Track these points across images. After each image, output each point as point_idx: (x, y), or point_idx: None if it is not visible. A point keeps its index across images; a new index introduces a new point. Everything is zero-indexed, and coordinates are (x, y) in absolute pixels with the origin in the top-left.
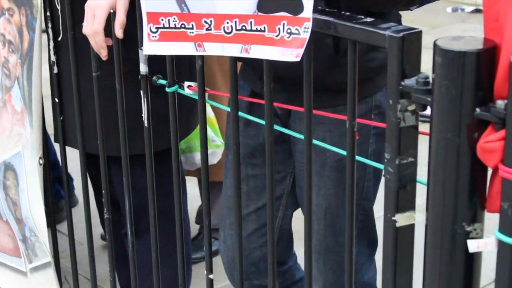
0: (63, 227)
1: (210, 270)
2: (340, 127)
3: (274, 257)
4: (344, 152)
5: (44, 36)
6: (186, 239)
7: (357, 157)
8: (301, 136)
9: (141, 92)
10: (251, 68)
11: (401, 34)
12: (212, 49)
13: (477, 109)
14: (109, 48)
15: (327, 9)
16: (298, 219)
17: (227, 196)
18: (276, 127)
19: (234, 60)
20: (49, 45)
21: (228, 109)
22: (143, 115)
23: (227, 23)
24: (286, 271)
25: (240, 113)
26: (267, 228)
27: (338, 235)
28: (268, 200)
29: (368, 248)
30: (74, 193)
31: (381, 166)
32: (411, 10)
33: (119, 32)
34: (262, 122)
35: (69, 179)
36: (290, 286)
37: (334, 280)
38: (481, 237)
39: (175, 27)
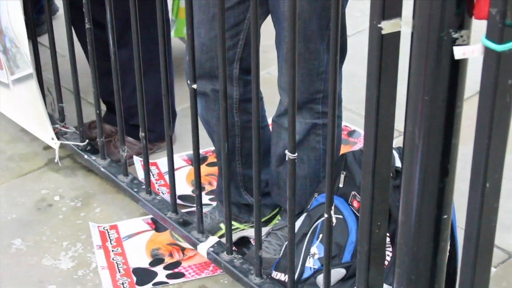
0: (44, 39)
1: (193, 80)
2: None
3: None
4: None
5: None
6: (169, 47)
7: None
8: None
9: None
10: None
11: None
12: None
13: None
14: None
15: None
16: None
17: None
18: None
19: None
20: None
21: None
22: None
23: None
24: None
25: None
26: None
27: (308, 41)
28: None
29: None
30: (54, 1)
31: None
32: None
33: None
34: None
35: None
36: (249, 101)
37: (305, 89)
38: (467, 44)
39: None
